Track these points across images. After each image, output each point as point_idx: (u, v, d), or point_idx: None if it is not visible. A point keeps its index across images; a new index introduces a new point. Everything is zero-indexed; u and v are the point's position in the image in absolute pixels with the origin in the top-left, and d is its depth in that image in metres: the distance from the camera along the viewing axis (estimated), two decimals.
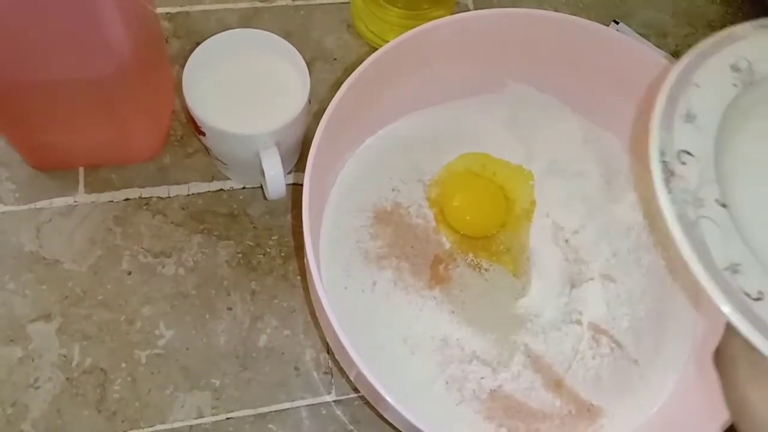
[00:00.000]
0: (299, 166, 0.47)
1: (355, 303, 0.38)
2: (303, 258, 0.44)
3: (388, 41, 0.50)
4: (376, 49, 0.51)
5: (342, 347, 0.31)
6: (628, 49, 0.41)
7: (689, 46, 0.56)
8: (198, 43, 0.50)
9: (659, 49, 0.42)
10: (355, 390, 0.41)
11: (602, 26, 0.42)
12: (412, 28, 0.49)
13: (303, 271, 0.44)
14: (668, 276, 0.41)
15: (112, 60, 0.36)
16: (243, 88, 0.41)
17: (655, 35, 0.57)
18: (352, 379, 0.36)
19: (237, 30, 0.41)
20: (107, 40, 0.35)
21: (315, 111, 0.48)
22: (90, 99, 0.39)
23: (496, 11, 0.41)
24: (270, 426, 0.40)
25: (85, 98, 0.39)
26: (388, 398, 0.29)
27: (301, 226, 0.45)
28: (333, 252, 0.39)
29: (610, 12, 0.57)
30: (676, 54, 0.56)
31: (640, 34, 0.55)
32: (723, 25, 0.58)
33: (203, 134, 0.40)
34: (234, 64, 0.41)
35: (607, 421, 0.37)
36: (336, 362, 0.42)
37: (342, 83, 0.49)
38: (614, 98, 0.43)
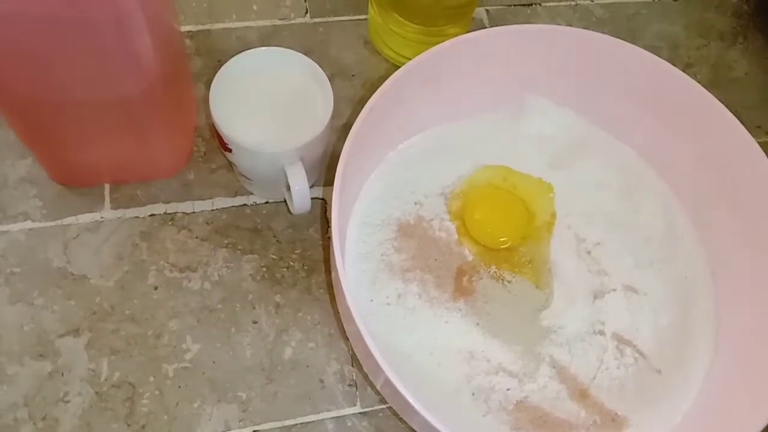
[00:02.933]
0: (321, 180, 0.48)
1: (381, 315, 0.38)
2: (326, 271, 0.45)
3: (405, 56, 0.52)
4: (394, 64, 0.53)
5: (370, 356, 0.31)
6: (643, 61, 0.42)
7: (701, 57, 0.58)
8: (220, 61, 0.51)
9: (671, 63, 0.42)
10: (381, 402, 0.42)
11: (618, 40, 0.43)
12: (429, 44, 0.50)
13: (327, 285, 0.45)
14: (690, 286, 0.41)
15: (141, 80, 0.37)
16: (268, 105, 0.41)
17: (668, 47, 0.57)
18: (379, 388, 0.37)
19: (261, 48, 0.42)
20: (137, 60, 0.36)
21: (335, 126, 0.49)
22: (117, 118, 0.40)
23: (512, 28, 0.42)
24: None
25: (113, 117, 0.40)
26: (414, 405, 0.30)
27: (324, 240, 0.46)
28: (358, 265, 0.40)
29: (623, 25, 0.58)
30: (689, 66, 0.58)
31: (653, 47, 0.56)
32: (734, 37, 0.59)
33: (229, 150, 0.41)
34: (258, 82, 0.42)
35: (632, 430, 0.37)
36: (361, 374, 0.42)
37: (361, 99, 0.50)
38: (631, 110, 0.44)
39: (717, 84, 0.56)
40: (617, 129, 0.45)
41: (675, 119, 0.43)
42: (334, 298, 0.44)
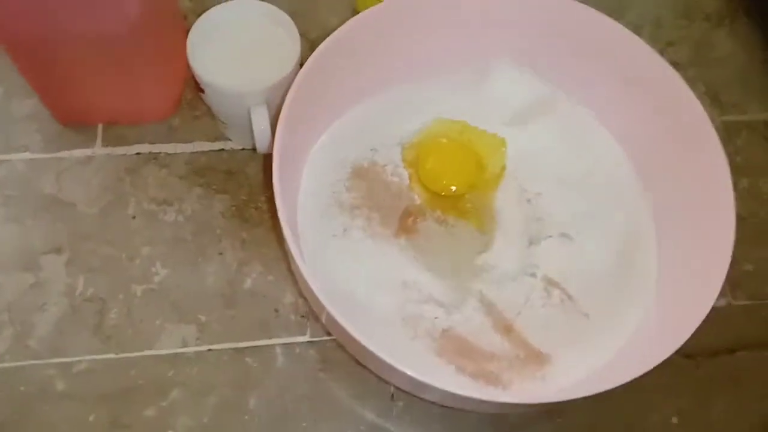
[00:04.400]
0: None
1: (326, 247, 0.41)
2: None
3: None
4: None
5: (312, 294, 0.34)
6: (601, 24, 0.44)
7: (684, 37, 0.59)
8: None
9: (651, 42, 0.44)
10: (328, 334, 0.45)
11: (578, 3, 0.44)
12: None
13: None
14: (629, 240, 0.42)
15: (123, 19, 0.41)
16: (240, 51, 0.45)
17: (651, 25, 0.59)
18: (322, 321, 0.40)
19: (239, 0, 0.46)
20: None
21: None
22: (107, 59, 0.44)
23: None
24: (247, 359, 0.44)
25: (103, 58, 0.44)
26: (352, 332, 0.32)
27: None
28: (309, 202, 0.43)
29: (609, 2, 0.59)
30: (670, 44, 0.59)
31: (635, 24, 0.57)
32: (720, 19, 0.60)
33: (202, 91, 0.45)
34: (233, 30, 0.45)
35: (555, 368, 0.39)
36: (312, 308, 0.45)
37: None
38: (589, 73, 0.46)
39: (697, 62, 0.57)
40: (576, 91, 0.47)
41: (629, 81, 0.44)
42: None
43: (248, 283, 0.46)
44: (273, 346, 0.44)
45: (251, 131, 0.47)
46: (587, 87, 0.47)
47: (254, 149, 0.50)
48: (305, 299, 0.45)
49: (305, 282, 0.34)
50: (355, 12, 0.56)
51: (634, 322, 0.40)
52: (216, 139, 0.51)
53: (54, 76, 0.46)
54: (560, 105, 0.47)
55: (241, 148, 0.50)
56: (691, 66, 0.56)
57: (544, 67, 0.47)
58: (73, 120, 0.50)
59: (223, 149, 0.50)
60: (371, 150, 0.45)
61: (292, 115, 0.39)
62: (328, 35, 0.54)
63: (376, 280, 0.40)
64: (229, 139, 0.51)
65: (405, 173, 0.45)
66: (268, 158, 0.49)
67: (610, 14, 0.44)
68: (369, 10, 0.42)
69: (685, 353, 0.42)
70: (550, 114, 0.47)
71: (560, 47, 0.46)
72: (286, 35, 0.46)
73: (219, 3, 0.55)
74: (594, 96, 0.47)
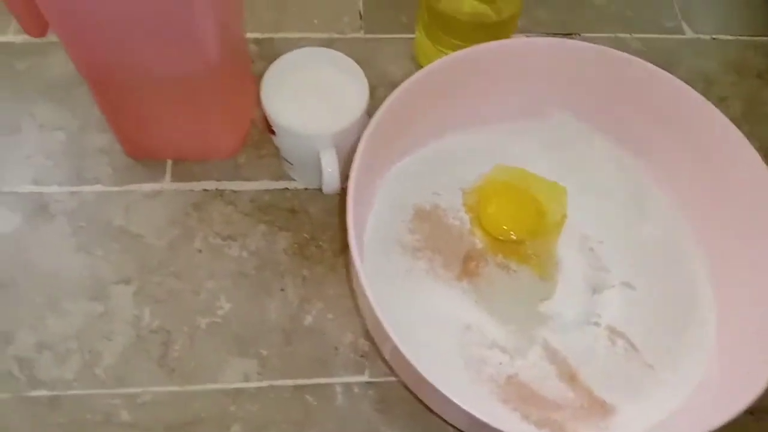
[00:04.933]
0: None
1: (390, 287, 0.42)
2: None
3: None
4: None
5: (379, 325, 0.35)
6: (663, 82, 0.45)
7: (735, 93, 0.60)
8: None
9: (690, 86, 0.45)
10: (387, 374, 0.45)
11: (641, 60, 0.46)
12: None
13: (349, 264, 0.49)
14: (689, 289, 0.43)
15: (202, 62, 0.43)
16: (311, 95, 0.47)
17: (702, 81, 0.60)
18: (386, 356, 0.40)
19: (310, 48, 0.48)
20: (200, 41, 0.42)
21: None
22: (183, 98, 0.46)
23: (539, 40, 0.46)
24: (307, 397, 0.44)
25: (179, 97, 0.46)
26: (419, 370, 0.33)
27: None
28: (373, 242, 0.44)
29: (659, 58, 0.60)
30: (722, 99, 0.60)
31: (686, 81, 0.58)
32: None
33: (273, 133, 0.46)
34: (305, 75, 0.47)
35: (618, 419, 0.39)
36: (372, 347, 0.46)
37: None
38: (648, 128, 0.47)
39: (749, 118, 0.58)
40: (633, 145, 0.48)
41: (683, 134, 0.45)
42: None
43: (309, 320, 0.47)
44: (332, 384, 0.45)
45: (318, 173, 0.48)
46: (645, 143, 0.48)
47: (318, 189, 0.52)
48: (365, 338, 0.46)
49: (375, 317, 0.35)
50: (413, 60, 0.59)
51: (697, 375, 0.40)
52: (280, 178, 0.52)
53: (130, 114, 0.48)
54: (619, 160, 0.48)
55: (304, 187, 0.52)
56: (745, 122, 0.57)
57: (604, 122, 0.48)
58: (144, 155, 0.52)
59: (286, 188, 0.52)
60: (433, 194, 0.46)
61: (364, 162, 0.40)
62: (388, 82, 0.57)
63: (438, 322, 0.41)
64: (293, 179, 0.52)
65: (466, 217, 0.46)
66: (331, 199, 0.51)
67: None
68: (438, 61, 0.43)
69: (747, 409, 0.41)
70: (609, 167, 0.48)
71: (621, 104, 0.47)
72: (353, 81, 0.47)
73: (285, 46, 0.58)
74: (652, 152, 0.48)
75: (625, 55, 0.45)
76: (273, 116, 0.45)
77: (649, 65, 0.45)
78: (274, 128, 0.46)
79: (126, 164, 0.52)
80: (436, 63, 0.43)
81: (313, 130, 0.45)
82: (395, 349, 0.34)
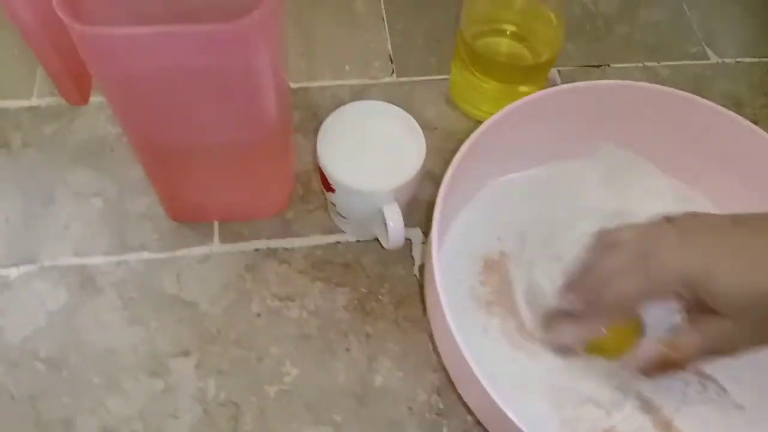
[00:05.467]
0: (407, 222, 0.52)
1: (469, 346, 0.41)
2: (413, 306, 0.48)
3: (483, 110, 0.56)
4: (472, 118, 0.57)
5: (474, 381, 0.34)
6: (712, 113, 0.46)
7: (766, 116, 0.61)
8: (316, 114, 0.57)
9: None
10: None
11: (686, 93, 0.46)
12: (506, 99, 0.55)
13: (414, 318, 0.48)
14: None
15: (263, 127, 0.42)
16: (368, 150, 0.46)
17: (733, 106, 0.60)
18: (475, 410, 0.39)
19: (362, 101, 0.47)
20: (263, 110, 0.41)
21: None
22: (234, 162, 0.45)
23: (591, 84, 0.46)
24: None
25: (231, 161, 0.45)
26: (520, 425, 0.32)
27: (411, 276, 0.50)
28: (446, 297, 0.43)
29: (688, 85, 0.61)
30: (754, 122, 0.60)
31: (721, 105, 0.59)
32: None
33: (332, 190, 0.45)
34: (359, 130, 0.46)
35: None
36: (445, 404, 0.45)
37: (441, 149, 0.55)
38: (701, 158, 0.47)
39: None
40: (688, 177, 0.48)
41: (742, 168, 0.46)
42: (421, 331, 0.47)
43: (378, 380, 0.46)
44: None
45: (374, 226, 0.48)
46: (698, 171, 0.48)
47: (370, 241, 0.51)
48: (438, 395, 0.45)
49: (474, 376, 0.34)
50: (449, 100, 0.58)
51: None
52: (330, 231, 0.51)
53: (179, 178, 0.47)
54: (672, 189, 0.48)
55: (355, 240, 0.51)
56: None
57: (652, 152, 0.49)
58: (188, 218, 0.51)
59: (338, 242, 0.51)
60: (498, 239, 0.46)
61: (440, 213, 0.39)
62: (426, 125, 0.56)
63: (526, 383, 0.40)
64: (343, 232, 0.51)
65: None
66: (383, 249, 0.50)
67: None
68: (504, 110, 0.43)
69: None
70: (665, 199, 0.48)
71: (678, 140, 0.47)
72: (407, 132, 0.47)
73: (320, 95, 0.58)
74: (706, 179, 0.48)
75: (655, 86, 0.46)
76: (333, 175, 0.44)
77: (710, 103, 0.45)
78: (334, 186, 0.45)
79: (171, 228, 0.50)
80: (503, 112, 0.43)
81: (375, 187, 0.44)
82: (496, 411, 0.33)
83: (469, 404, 0.39)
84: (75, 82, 0.43)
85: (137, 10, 0.41)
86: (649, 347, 0.37)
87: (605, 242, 0.38)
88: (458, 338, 0.34)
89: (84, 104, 0.45)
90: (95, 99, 0.54)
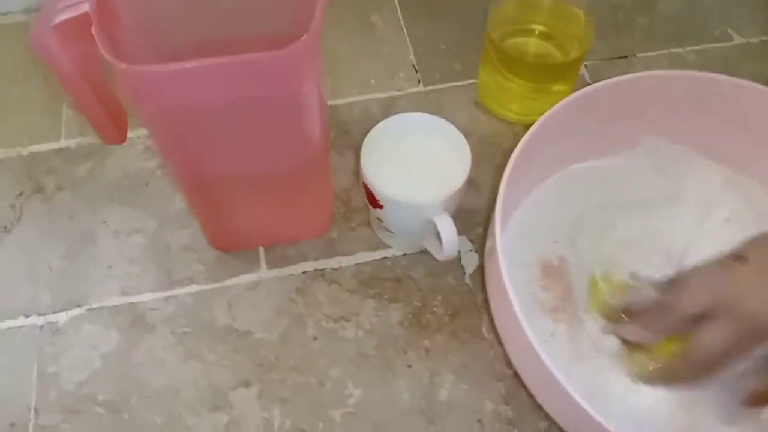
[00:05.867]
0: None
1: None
2: (469, 315, 0.47)
3: (513, 111, 0.56)
4: (504, 120, 0.57)
5: (557, 384, 0.33)
6: (753, 93, 0.45)
7: None
8: (347, 131, 0.56)
9: None
10: None
11: (724, 76, 0.46)
12: (536, 99, 0.55)
13: (471, 328, 0.47)
14: None
15: (310, 152, 0.42)
16: (411, 163, 0.45)
17: (764, 84, 0.60)
18: (554, 414, 0.38)
19: (402, 114, 0.47)
20: (310, 135, 0.41)
21: None
22: (280, 187, 0.44)
23: (633, 76, 0.45)
24: None
25: (277, 187, 0.44)
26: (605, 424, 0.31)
27: (463, 285, 0.49)
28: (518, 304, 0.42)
29: (717, 68, 0.60)
30: None
31: None
32: None
33: (380, 207, 0.45)
34: (401, 144, 0.46)
35: None
36: (515, 412, 0.44)
37: (478, 155, 0.54)
38: (748, 142, 0.47)
39: None
40: (736, 162, 0.48)
41: None
42: (481, 340, 0.46)
43: (443, 394, 0.45)
44: None
45: (422, 238, 0.47)
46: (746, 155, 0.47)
47: (417, 253, 0.50)
48: (505, 404, 0.44)
49: (554, 378, 0.33)
50: (477, 104, 0.58)
51: None
52: (376, 247, 0.50)
53: (221, 207, 0.46)
54: (721, 176, 0.48)
55: (402, 254, 0.50)
56: None
57: (696, 140, 0.48)
58: (233, 246, 0.50)
59: (385, 257, 0.50)
60: (554, 242, 0.45)
61: (500, 218, 0.39)
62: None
63: (599, 388, 0.39)
64: (389, 247, 0.50)
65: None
66: (431, 261, 0.49)
67: None
68: (553, 109, 0.42)
69: None
70: (714, 186, 0.47)
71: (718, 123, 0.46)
72: (449, 141, 0.46)
73: (349, 111, 0.57)
74: (755, 163, 0.47)
75: (695, 73, 0.46)
76: (381, 191, 0.43)
77: (751, 83, 0.45)
78: (382, 202, 0.44)
79: (216, 258, 0.50)
80: (552, 111, 0.42)
81: (425, 199, 0.43)
82: (578, 409, 0.32)
83: (547, 409, 0.38)
84: (113, 122, 0.43)
85: (173, 44, 0.41)
86: (746, 379, 0.36)
87: (677, 284, 0.37)
88: (535, 344, 0.34)
89: (122, 143, 0.45)
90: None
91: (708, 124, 0.47)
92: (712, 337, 0.34)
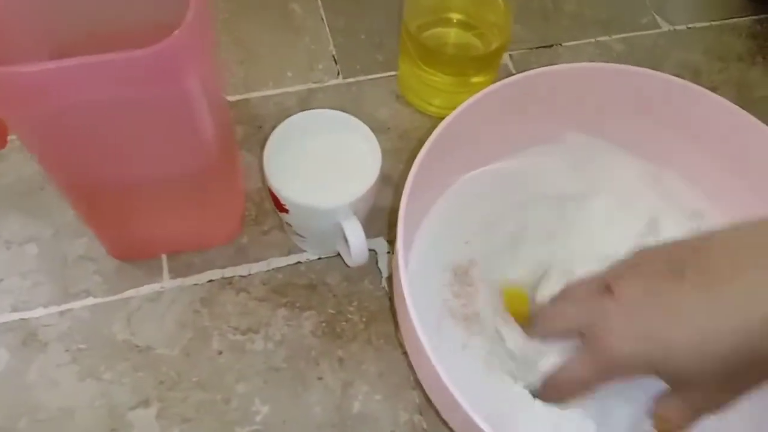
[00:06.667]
0: (369, 232, 0.49)
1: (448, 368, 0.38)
2: (384, 321, 0.45)
3: (436, 105, 0.54)
4: (426, 114, 0.54)
5: (459, 408, 0.31)
6: (673, 87, 0.44)
7: (724, 80, 0.59)
8: (260, 127, 0.53)
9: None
10: None
11: (645, 69, 0.44)
12: (458, 92, 0.52)
13: (386, 335, 0.45)
14: None
15: (202, 155, 0.39)
16: (318, 164, 0.43)
17: (690, 74, 0.59)
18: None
19: (306, 112, 0.44)
20: (200, 136, 0.37)
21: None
22: (176, 192, 0.41)
23: (550, 69, 0.43)
24: None
25: (172, 192, 0.41)
26: None
27: (378, 290, 0.47)
28: (423, 313, 0.40)
29: (644, 57, 0.59)
30: (714, 89, 0.59)
31: (676, 75, 0.57)
32: (752, 57, 0.61)
33: (286, 211, 0.42)
34: (307, 143, 0.43)
35: None
36: (430, 421, 0.42)
37: (398, 150, 0.52)
38: (669, 136, 0.45)
39: (743, 105, 0.57)
40: (656, 156, 0.47)
41: (712, 141, 0.44)
42: (395, 347, 0.44)
43: (356, 406, 0.43)
44: None
45: (335, 242, 0.45)
46: (668, 149, 0.46)
47: (332, 257, 0.48)
48: (421, 414, 0.42)
49: (456, 403, 0.31)
50: (399, 98, 0.55)
51: None
52: (290, 252, 0.48)
53: (115, 213, 0.43)
54: (641, 170, 0.47)
55: (317, 257, 0.48)
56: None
57: (616, 135, 0.47)
58: (133, 255, 0.47)
59: (299, 262, 0.47)
60: (465, 243, 0.43)
61: (404, 222, 0.36)
62: (379, 126, 0.53)
63: (512, 400, 0.37)
64: (304, 251, 0.48)
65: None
66: (348, 267, 0.47)
67: (648, 68, 0.44)
68: (466, 104, 0.40)
69: None
70: (635, 180, 0.46)
71: (636, 117, 0.45)
72: (360, 140, 0.44)
73: (262, 105, 0.54)
74: (677, 157, 0.46)
75: (612, 65, 0.44)
76: (285, 195, 0.41)
77: (666, 76, 0.44)
78: (287, 206, 0.41)
79: (116, 268, 0.46)
80: (460, 108, 0.40)
81: (332, 203, 0.41)
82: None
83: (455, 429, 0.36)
84: None
85: (59, 41, 0.37)
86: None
87: (560, 296, 0.38)
88: (437, 365, 0.32)
89: (2, 147, 0.41)
90: (14, 137, 0.49)
91: (630, 119, 0.46)
92: (571, 366, 0.35)
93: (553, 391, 0.36)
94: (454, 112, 0.40)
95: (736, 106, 0.43)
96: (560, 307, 0.37)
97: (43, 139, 0.35)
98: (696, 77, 0.59)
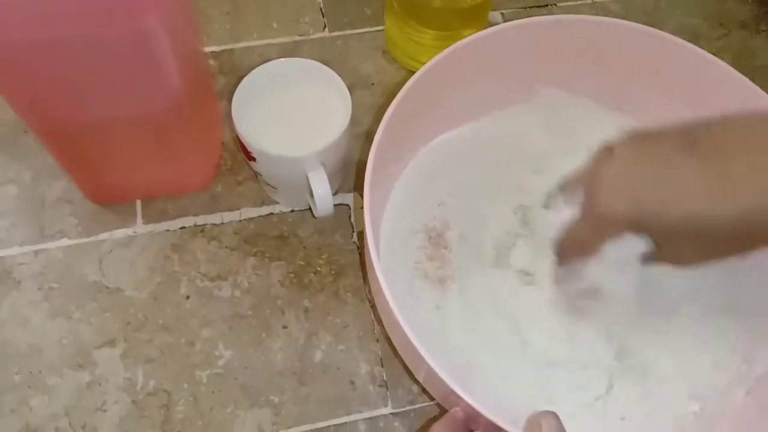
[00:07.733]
0: (343, 187, 0.49)
1: (423, 324, 0.38)
2: (353, 275, 0.45)
3: (422, 63, 0.53)
4: (411, 71, 0.53)
5: (411, 347, 0.31)
6: (654, 39, 0.43)
7: (723, 47, 0.57)
8: (243, 78, 0.53)
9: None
10: (411, 402, 0.42)
11: (628, 22, 0.43)
12: (443, 48, 0.51)
13: (354, 288, 0.45)
14: None
15: (166, 96, 0.39)
16: (288, 113, 0.43)
17: (689, 39, 0.57)
18: (420, 380, 0.37)
19: (280, 60, 0.43)
20: (162, 77, 0.37)
21: (357, 133, 0.50)
22: (146, 135, 0.42)
23: (525, 21, 0.42)
24: None
25: (142, 135, 0.41)
26: (458, 391, 0.30)
27: (349, 245, 0.47)
28: (395, 275, 0.40)
29: (641, 20, 0.57)
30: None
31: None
32: (756, 25, 0.58)
33: (253, 159, 0.42)
34: (279, 92, 0.43)
35: None
36: (390, 375, 0.42)
37: (381, 106, 0.51)
38: (645, 89, 0.44)
39: (742, 71, 0.55)
40: (633, 110, 0.46)
41: (687, 94, 0.43)
42: (362, 300, 0.45)
43: (318, 355, 0.43)
44: (355, 422, 0.41)
45: (306, 194, 0.45)
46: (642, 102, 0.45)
47: (306, 210, 0.48)
48: (383, 366, 0.43)
49: (404, 336, 0.31)
50: (386, 53, 0.55)
51: None
52: (263, 203, 0.48)
53: (87, 156, 0.43)
54: (618, 124, 0.45)
55: (290, 209, 0.48)
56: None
57: (597, 91, 0.46)
58: (108, 199, 0.47)
59: (271, 213, 0.48)
60: (439, 205, 0.43)
61: (374, 177, 0.36)
62: (363, 81, 0.53)
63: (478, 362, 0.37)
64: (277, 202, 0.48)
65: None
66: (321, 218, 0.47)
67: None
68: (434, 60, 0.39)
69: None
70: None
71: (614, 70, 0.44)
72: (331, 91, 0.43)
73: (246, 57, 0.54)
74: (650, 109, 0.45)
75: (594, 17, 0.44)
76: (251, 142, 0.40)
77: (621, 21, 0.43)
78: (254, 155, 0.41)
79: (91, 212, 0.47)
80: (432, 61, 0.39)
81: (298, 151, 0.40)
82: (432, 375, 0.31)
83: (429, 390, 0.36)
84: None
85: None
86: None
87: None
88: (407, 329, 0.31)
89: None
90: None
91: (606, 72, 0.45)
92: (573, 227, 0.36)
93: (560, 251, 0.37)
94: (427, 65, 0.39)
95: (711, 55, 0.42)
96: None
97: (6, 79, 0.35)
98: (694, 42, 0.56)
